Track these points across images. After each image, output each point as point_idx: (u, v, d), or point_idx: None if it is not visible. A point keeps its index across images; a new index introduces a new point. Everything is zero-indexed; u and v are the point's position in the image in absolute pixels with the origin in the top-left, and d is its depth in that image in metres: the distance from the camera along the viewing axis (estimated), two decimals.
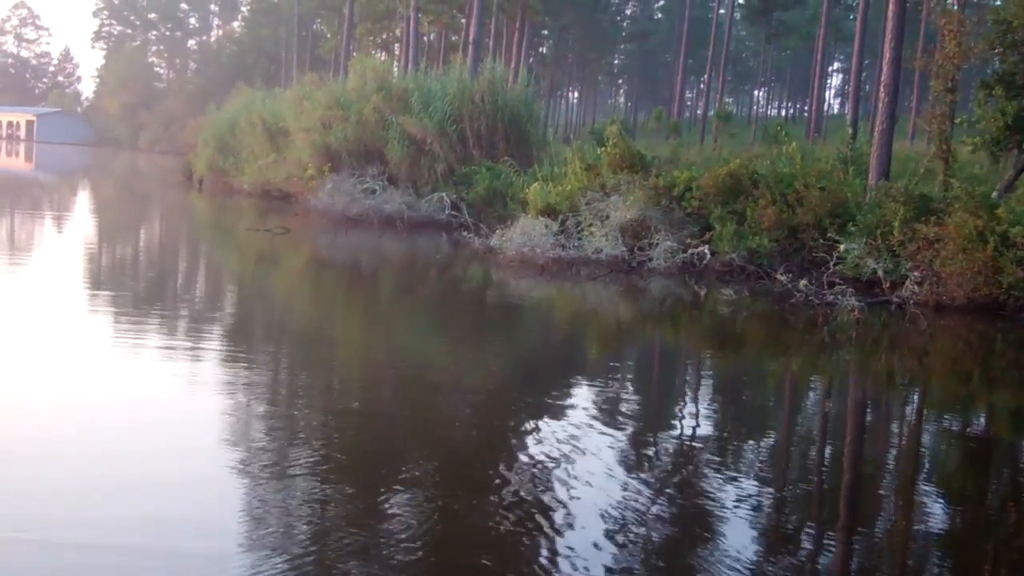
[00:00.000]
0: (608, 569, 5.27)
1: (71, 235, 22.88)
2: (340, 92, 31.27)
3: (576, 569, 5.23)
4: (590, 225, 19.17)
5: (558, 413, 8.49)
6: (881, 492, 7.12)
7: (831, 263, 16.28)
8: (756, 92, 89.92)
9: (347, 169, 27.60)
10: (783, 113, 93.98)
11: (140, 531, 5.44)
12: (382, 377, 10.02)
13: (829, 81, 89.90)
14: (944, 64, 18.75)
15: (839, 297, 14.52)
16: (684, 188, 19.61)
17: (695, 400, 9.80)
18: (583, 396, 9.35)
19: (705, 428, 8.49)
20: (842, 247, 16.37)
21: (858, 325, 13.57)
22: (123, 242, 22.68)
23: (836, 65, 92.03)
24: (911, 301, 14.71)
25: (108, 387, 8.55)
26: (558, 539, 5.61)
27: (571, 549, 5.48)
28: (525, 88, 29.25)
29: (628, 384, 10.36)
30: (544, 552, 5.44)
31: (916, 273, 15.06)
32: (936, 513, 6.73)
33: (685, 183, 19.71)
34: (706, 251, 17.90)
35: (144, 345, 10.36)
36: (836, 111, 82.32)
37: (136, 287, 15.34)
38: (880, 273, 15.59)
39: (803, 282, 15.12)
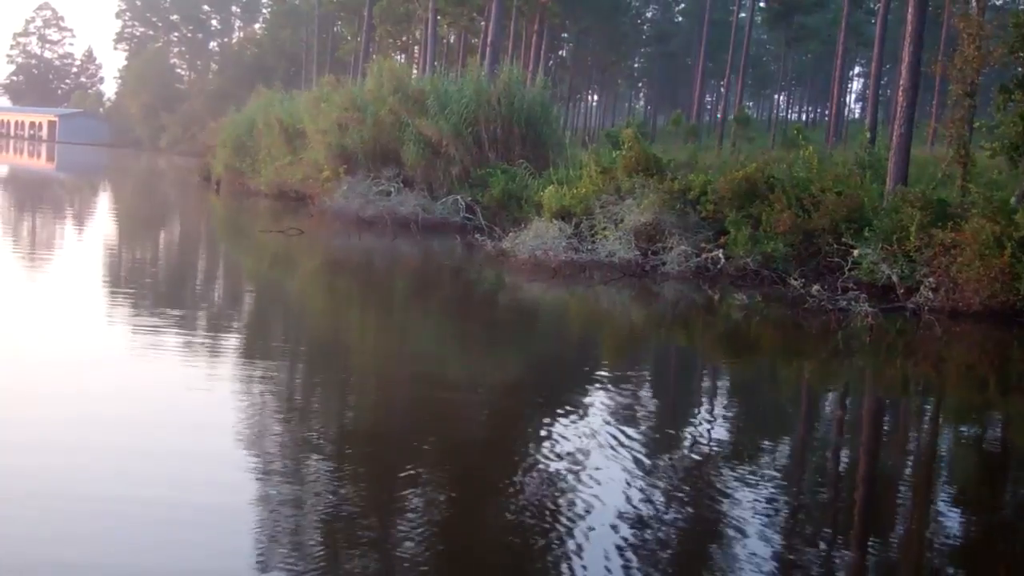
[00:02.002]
0: (624, 571, 5.25)
1: (86, 235, 23.01)
2: (357, 94, 31.29)
3: (594, 571, 5.23)
4: (604, 228, 19.06)
5: (572, 418, 8.41)
6: (896, 499, 7.07)
7: (846, 268, 16.12)
8: (777, 96, 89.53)
9: (363, 171, 27.59)
10: (803, 117, 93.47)
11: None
12: (393, 381, 9.98)
13: (850, 85, 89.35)
14: (963, 68, 18.52)
15: (852, 303, 14.35)
16: (699, 192, 19.49)
17: (707, 406, 9.71)
18: (596, 401, 9.27)
19: (719, 434, 8.41)
20: (856, 252, 16.20)
21: (872, 331, 13.42)
22: (137, 243, 22.75)
23: (857, 69, 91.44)
24: (926, 307, 14.53)
25: (122, 384, 8.61)
26: (574, 542, 5.59)
27: (589, 552, 5.47)
28: (542, 90, 29.15)
29: (641, 389, 10.26)
30: (560, 555, 5.43)
31: (931, 279, 14.88)
32: (952, 520, 6.67)
33: (700, 187, 19.58)
34: (720, 255, 17.75)
35: (154, 347, 10.36)
36: (857, 116, 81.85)
37: (147, 289, 15.37)
38: (895, 279, 15.42)
39: (816, 287, 14.96)
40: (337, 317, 14.14)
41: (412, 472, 6.75)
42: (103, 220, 28.43)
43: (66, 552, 5.18)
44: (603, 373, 10.92)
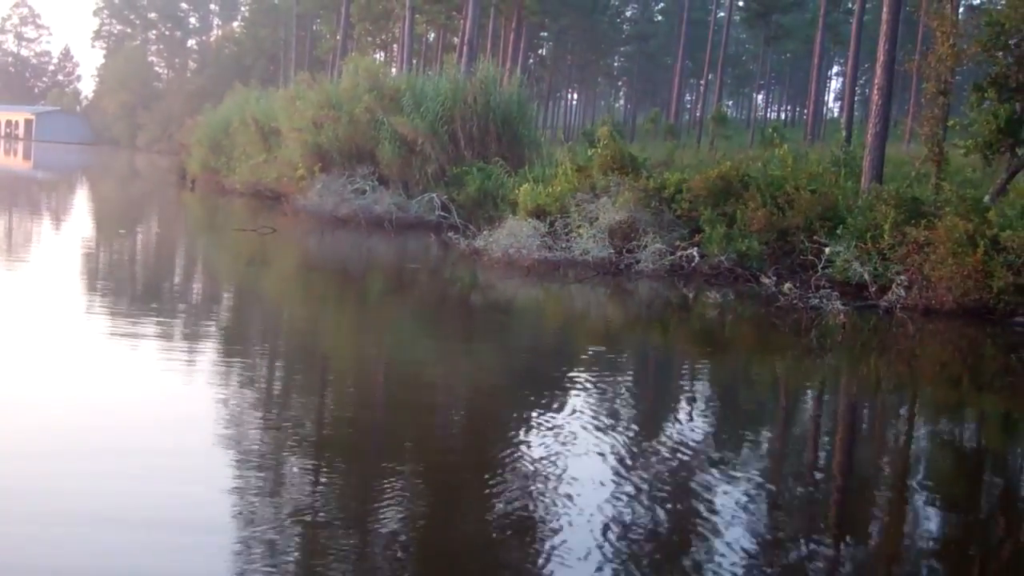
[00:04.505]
0: (608, 567, 5.24)
1: (60, 234, 22.74)
2: (332, 92, 31.07)
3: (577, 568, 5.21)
4: (578, 226, 18.95)
5: (544, 420, 8.28)
6: (870, 498, 7.00)
7: (819, 266, 16.08)
8: (756, 95, 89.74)
9: (338, 169, 27.38)
10: (783, 116, 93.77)
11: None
12: (365, 379, 9.84)
13: (829, 84, 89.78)
14: (936, 66, 18.53)
15: (824, 301, 14.30)
16: (674, 190, 19.42)
17: (681, 404, 9.62)
18: (568, 401, 9.12)
19: (693, 431, 8.32)
20: (828, 250, 16.16)
21: (844, 329, 13.38)
22: (108, 243, 22.47)
23: (836, 69, 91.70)
24: (898, 305, 14.50)
25: (93, 383, 8.56)
26: (549, 545, 5.54)
27: (564, 554, 5.41)
28: (518, 88, 29.02)
29: (616, 387, 10.12)
30: (535, 558, 5.39)
31: (902, 277, 14.86)
32: (925, 519, 6.63)
33: (675, 185, 19.52)
34: (695, 253, 17.68)
35: (123, 347, 10.19)
36: (836, 114, 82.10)
37: (115, 287, 15.16)
38: (867, 277, 15.39)
39: (787, 285, 14.90)
40: (305, 317, 13.96)
41: (388, 471, 6.65)
42: (77, 219, 28.12)
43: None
44: (575, 373, 10.80)
